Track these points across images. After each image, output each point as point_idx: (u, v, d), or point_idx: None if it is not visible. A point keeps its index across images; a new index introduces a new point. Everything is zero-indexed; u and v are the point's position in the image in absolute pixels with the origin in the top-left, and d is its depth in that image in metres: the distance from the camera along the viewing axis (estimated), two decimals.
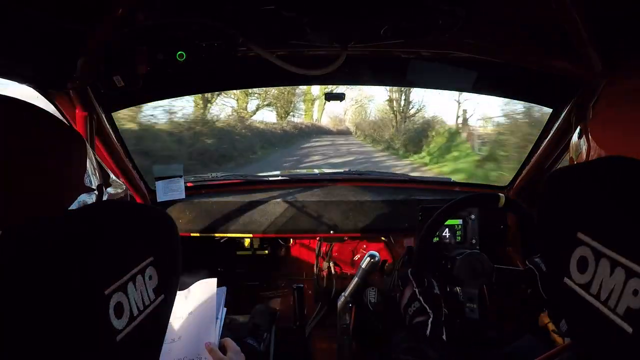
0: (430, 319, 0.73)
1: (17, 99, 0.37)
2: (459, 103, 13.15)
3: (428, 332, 0.71)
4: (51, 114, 0.39)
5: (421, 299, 0.76)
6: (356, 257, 1.57)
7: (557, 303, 0.86)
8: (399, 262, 1.39)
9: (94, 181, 0.42)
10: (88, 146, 0.43)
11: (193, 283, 1.39)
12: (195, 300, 0.92)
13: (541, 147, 1.23)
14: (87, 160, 0.41)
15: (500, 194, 0.91)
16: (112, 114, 1.11)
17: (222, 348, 0.87)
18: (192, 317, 0.90)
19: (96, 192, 0.42)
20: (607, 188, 0.36)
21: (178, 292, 0.92)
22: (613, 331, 0.33)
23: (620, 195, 0.35)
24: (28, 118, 0.37)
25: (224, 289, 0.99)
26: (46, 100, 0.90)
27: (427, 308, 0.74)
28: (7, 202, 0.32)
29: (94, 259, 0.34)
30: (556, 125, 1.14)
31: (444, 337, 0.73)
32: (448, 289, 0.98)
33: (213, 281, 0.97)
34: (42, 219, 0.33)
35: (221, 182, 1.60)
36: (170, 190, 1.39)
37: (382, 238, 1.53)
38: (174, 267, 0.45)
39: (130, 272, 0.37)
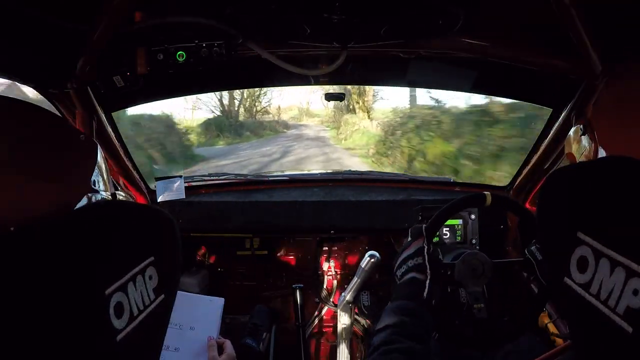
0: (428, 279, 0.72)
1: (30, 103, 0.37)
2: None
3: (425, 293, 0.70)
4: (62, 118, 0.40)
5: (426, 255, 0.75)
6: (356, 257, 1.57)
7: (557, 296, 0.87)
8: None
9: (103, 187, 0.42)
10: (100, 152, 0.43)
11: (193, 283, 1.40)
12: (200, 318, 0.95)
13: (541, 147, 1.22)
14: (97, 167, 0.41)
15: (486, 192, 0.88)
16: (112, 113, 1.11)
17: (220, 349, 0.88)
18: (193, 333, 0.92)
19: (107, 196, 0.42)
20: (607, 188, 0.36)
21: (186, 304, 0.94)
22: (613, 331, 0.33)
23: (620, 195, 0.35)
24: (39, 121, 0.37)
25: (222, 302, 1.00)
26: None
27: (428, 267, 0.73)
28: (17, 203, 0.32)
29: (94, 259, 0.34)
30: (556, 125, 1.14)
31: (432, 302, 0.72)
32: (449, 290, 0.98)
33: (220, 303, 1.00)
34: (43, 220, 0.33)
35: (221, 182, 1.60)
36: (170, 190, 1.39)
37: (383, 238, 1.53)
38: (174, 267, 0.45)
39: (130, 272, 0.37)
